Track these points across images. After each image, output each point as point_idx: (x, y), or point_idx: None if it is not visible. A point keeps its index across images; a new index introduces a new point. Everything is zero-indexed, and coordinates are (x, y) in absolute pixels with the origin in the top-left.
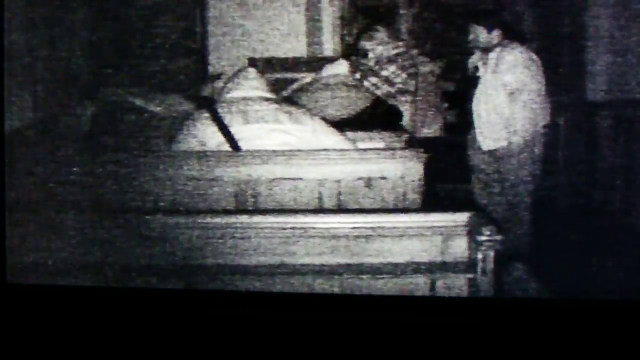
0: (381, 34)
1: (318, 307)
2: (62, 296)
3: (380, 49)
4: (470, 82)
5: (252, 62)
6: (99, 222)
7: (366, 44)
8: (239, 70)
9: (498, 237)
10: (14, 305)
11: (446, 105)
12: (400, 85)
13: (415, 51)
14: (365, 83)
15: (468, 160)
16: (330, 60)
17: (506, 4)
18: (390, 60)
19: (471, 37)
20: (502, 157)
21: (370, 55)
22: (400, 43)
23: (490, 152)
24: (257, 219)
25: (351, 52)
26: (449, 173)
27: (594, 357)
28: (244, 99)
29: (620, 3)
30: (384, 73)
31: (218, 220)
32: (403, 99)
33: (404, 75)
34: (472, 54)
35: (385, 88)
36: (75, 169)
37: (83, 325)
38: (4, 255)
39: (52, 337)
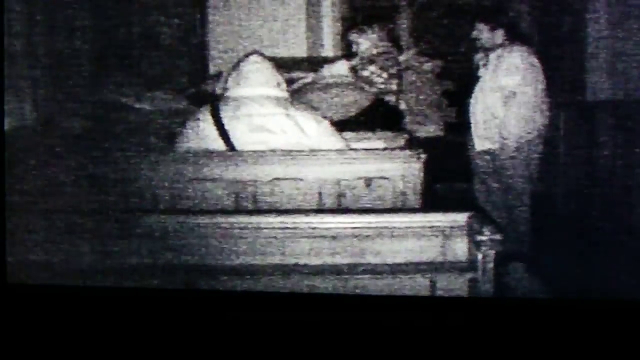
0: (373, 32)
1: (318, 307)
2: (62, 296)
3: (366, 45)
4: (470, 81)
5: None
6: (99, 222)
7: (355, 38)
8: (244, 59)
9: (498, 237)
10: (14, 305)
11: (447, 104)
12: (382, 86)
13: (403, 53)
14: (354, 82)
15: (468, 160)
16: (330, 60)
17: (507, 4)
18: (371, 60)
19: (474, 34)
20: (497, 158)
21: (355, 49)
22: (384, 43)
23: (488, 153)
24: (257, 219)
25: (349, 52)
26: (449, 173)
27: (594, 357)
28: (250, 99)
29: (620, 3)
30: (364, 73)
31: (218, 220)
32: (387, 99)
33: (385, 76)
34: (473, 52)
35: (367, 88)
36: (75, 169)
37: (83, 325)
38: (4, 255)
39: (52, 337)
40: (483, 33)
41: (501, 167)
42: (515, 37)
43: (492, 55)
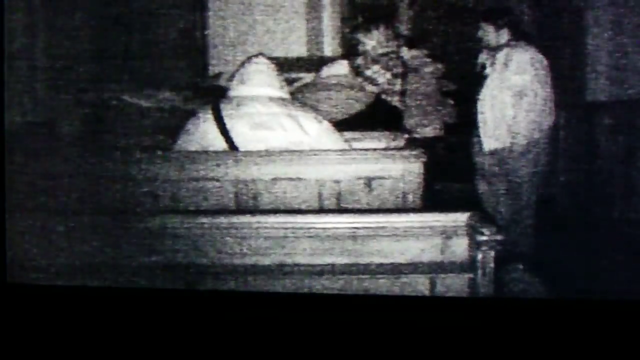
0: (378, 32)
1: (318, 307)
2: (62, 296)
3: (371, 45)
4: (475, 81)
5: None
6: (99, 222)
7: (361, 38)
8: (249, 60)
9: (498, 237)
10: (14, 305)
11: (447, 104)
12: (385, 86)
13: (409, 51)
14: (354, 82)
15: (473, 160)
16: (330, 60)
17: (508, 4)
18: (375, 60)
19: (480, 34)
20: (506, 158)
21: (361, 48)
22: (389, 43)
23: (496, 153)
24: (257, 219)
25: (351, 52)
26: (450, 173)
27: (594, 357)
28: (252, 98)
29: (620, 3)
30: (368, 73)
31: (218, 220)
32: (389, 99)
33: (389, 75)
34: (476, 53)
35: (370, 88)
36: (75, 169)
37: (83, 325)
38: (4, 255)
39: (52, 337)
40: (488, 33)
41: (509, 168)
42: (520, 36)
43: (500, 55)
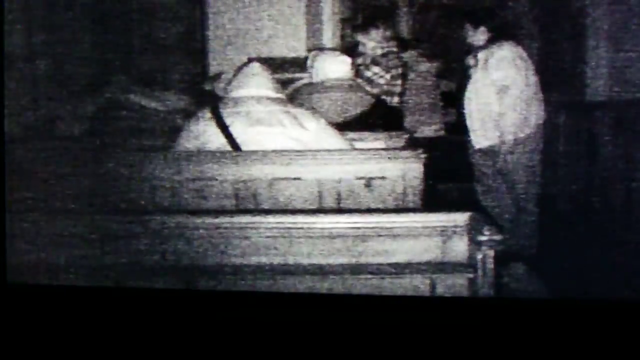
0: (377, 32)
1: (318, 307)
2: (62, 296)
3: (370, 45)
4: (465, 81)
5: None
6: (99, 222)
7: (360, 38)
8: (243, 66)
9: (498, 237)
10: (14, 305)
11: (447, 104)
12: (385, 87)
13: (406, 52)
14: (354, 84)
15: (470, 160)
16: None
17: (506, 4)
18: (374, 61)
19: (463, 35)
20: (498, 156)
21: (361, 49)
22: (388, 44)
23: (488, 152)
24: (257, 219)
25: (351, 52)
26: (449, 173)
27: (594, 357)
28: (249, 98)
29: (620, 3)
30: (367, 74)
31: (218, 220)
32: (389, 99)
33: (388, 77)
34: (466, 53)
35: (370, 89)
36: (75, 169)
37: (83, 325)
38: (4, 255)
39: (52, 337)
40: (469, 33)
41: (502, 166)
42: (501, 35)
43: (481, 54)
